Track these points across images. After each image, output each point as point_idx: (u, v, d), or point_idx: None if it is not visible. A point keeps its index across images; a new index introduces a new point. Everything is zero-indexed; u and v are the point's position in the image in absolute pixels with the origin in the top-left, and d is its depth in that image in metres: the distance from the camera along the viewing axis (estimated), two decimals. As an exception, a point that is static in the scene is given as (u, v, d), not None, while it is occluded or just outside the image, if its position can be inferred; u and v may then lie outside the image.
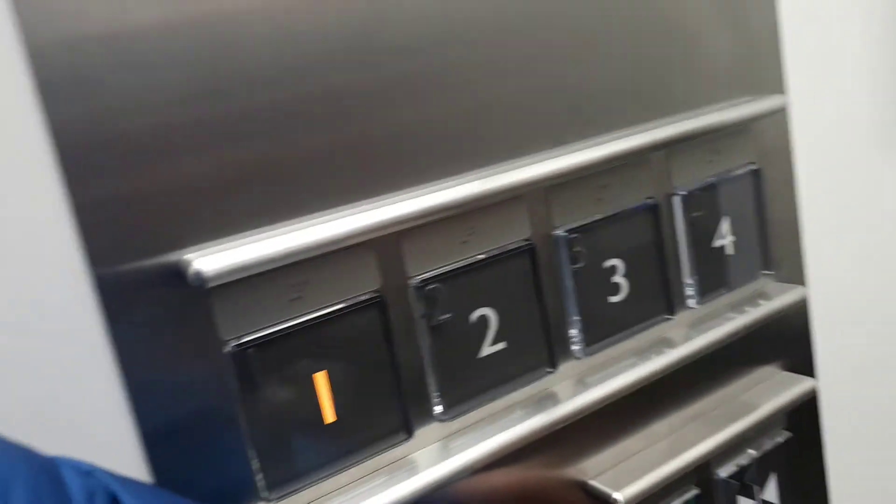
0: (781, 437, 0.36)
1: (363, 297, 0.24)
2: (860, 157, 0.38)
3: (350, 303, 0.23)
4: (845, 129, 0.37)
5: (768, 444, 0.35)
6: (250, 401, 0.22)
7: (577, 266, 0.28)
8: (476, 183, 0.24)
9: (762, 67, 0.33)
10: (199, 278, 0.20)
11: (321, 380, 0.23)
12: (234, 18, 0.21)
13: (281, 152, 0.22)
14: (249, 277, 0.21)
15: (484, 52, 0.25)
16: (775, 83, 0.33)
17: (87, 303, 0.19)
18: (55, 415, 0.20)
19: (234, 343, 0.21)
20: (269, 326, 0.22)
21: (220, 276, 0.20)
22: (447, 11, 0.24)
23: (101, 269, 0.19)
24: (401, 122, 0.24)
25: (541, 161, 0.25)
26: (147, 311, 0.20)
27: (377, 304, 0.24)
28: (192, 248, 0.21)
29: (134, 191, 0.20)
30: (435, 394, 0.25)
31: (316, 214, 0.23)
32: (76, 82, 0.19)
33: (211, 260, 0.20)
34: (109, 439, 0.20)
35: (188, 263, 0.20)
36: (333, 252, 0.23)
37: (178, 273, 0.20)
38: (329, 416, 0.23)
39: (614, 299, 0.29)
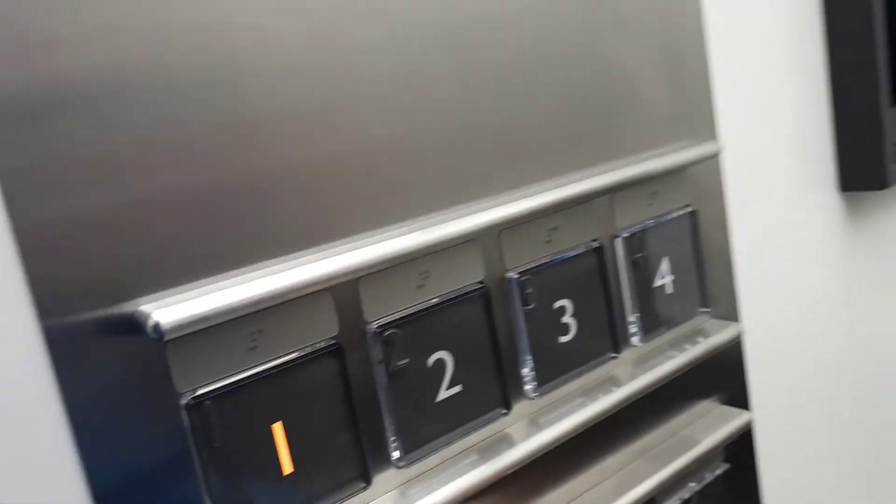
0: (720, 469, 0.37)
1: (320, 345, 0.23)
2: (786, 198, 0.41)
3: (307, 350, 0.23)
4: (772, 172, 0.40)
5: (708, 477, 0.36)
6: (207, 454, 0.21)
7: (529, 307, 0.28)
8: (434, 228, 0.24)
9: (696, 115, 0.35)
10: (158, 331, 0.19)
11: (278, 430, 0.22)
12: (189, 52, 0.21)
13: (236, 197, 0.22)
14: (205, 328, 0.21)
15: (436, 99, 0.26)
16: (708, 130, 0.35)
17: (35, 355, 0.18)
18: (1, 473, 0.18)
19: (189, 396, 0.21)
20: (226, 377, 0.22)
21: (179, 327, 0.19)
22: (395, 62, 0.25)
23: (50, 320, 0.19)
24: (354, 166, 0.24)
25: (495, 205, 0.26)
26: (98, 364, 0.19)
27: (334, 350, 0.24)
28: (144, 298, 0.20)
29: (84, 239, 0.19)
30: (392, 440, 0.25)
31: (271, 261, 0.22)
32: (22, 124, 0.18)
33: (170, 312, 0.19)
34: (60, 497, 0.19)
35: (146, 315, 0.19)
36: (290, 299, 0.22)
37: (132, 324, 0.20)
38: (287, 466, 0.23)
39: (564, 339, 0.30)
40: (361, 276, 0.24)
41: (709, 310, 0.36)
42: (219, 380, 0.21)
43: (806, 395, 0.43)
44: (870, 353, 0.49)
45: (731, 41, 0.37)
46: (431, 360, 0.26)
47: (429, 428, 0.26)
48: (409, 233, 0.24)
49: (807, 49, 0.41)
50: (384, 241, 0.24)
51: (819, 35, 0.41)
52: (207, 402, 0.21)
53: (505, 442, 0.28)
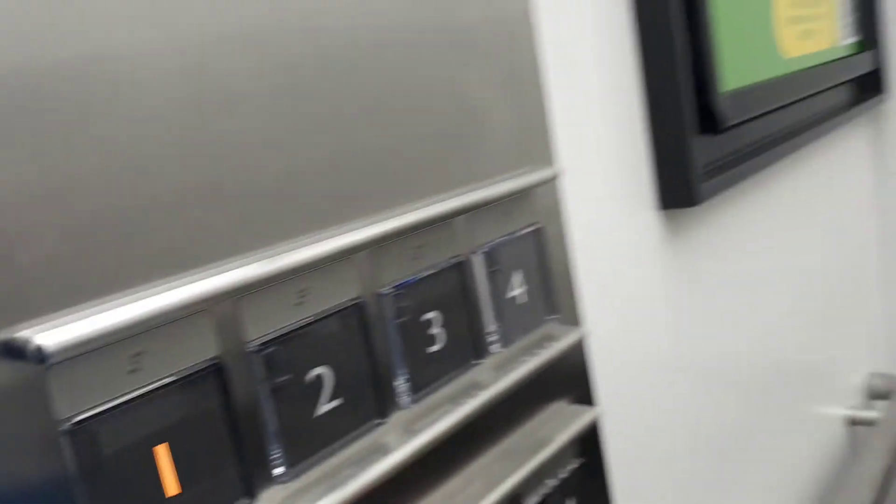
0: (575, 463, 0.40)
1: (202, 365, 0.24)
2: (615, 216, 0.46)
3: (189, 371, 0.23)
4: (602, 193, 0.45)
5: (564, 472, 0.40)
6: (89, 481, 0.21)
7: (401, 320, 0.30)
8: (310, 247, 0.26)
9: (536, 144, 0.39)
10: (41, 355, 0.19)
11: (163, 452, 0.22)
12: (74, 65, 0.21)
13: (112, 217, 0.22)
14: (85, 352, 0.21)
15: (308, 125, 0.27)
16: (547, 157, 0.39)
17: None
18: None
19: (70, 421, 0.20)
20: (107, 402, 0.21)
21: (63, 350, 0.19)
22: (268, 90, 0.26)
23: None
24: (231, 189, 0.25)
25: (367, 225, 0.27)
26: (-29, 395, 0.19)
27: (216, 370, 0.24)
28: (17, 325, 0.20)
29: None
30: (276, 456, 0.26)
31: (148, 284, 0.23)
32: None
33: (53, 334, 0.19)
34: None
35: (25, 340, 0.19)
36: (171, 320, 0.23)
37: (8, 350, 0.19)
38: (172, 488, 0.23)
39: (433, 349, 0.32)
40: (242, 296, 0.25)
41: (556, 316, 0.39)
42: (99, 404, 0.21)
43: (643, 390, 0.48)
44: (691, 353, 0.56)
45: (564, 79, 0.42)
46: (311, 375, 0.27)
47: (311, 442, 0.27)
48: (286, 252, 0.25)
49: (626, 86, 0.47)
50: (261, 260, 0.25)
51: (635, 74, 0.47)
52: (88, 428, 0.21)
53: (382, 450, 0.29)
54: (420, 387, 0.31)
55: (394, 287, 0.30)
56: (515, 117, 0.37)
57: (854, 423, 0.96)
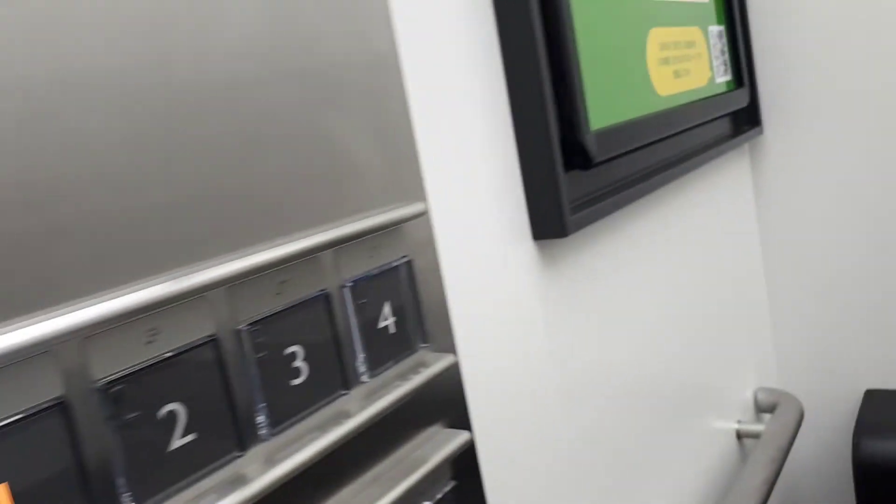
0: (449, 485, 0.42)
1: (46, 404, 0.24)
2: (491, 247, 0.48)
3: (32, 411, 0.24)
4: (478, 226, 0.47)
5: (439, 494, 0.41)
6: (-84, 527, 0.21)
7: (261, 355, 0.31)
8: (160, 286, 0.26)
9: (407, 182, 0.41)
10: None
11: (2, 492, 0.23)
12: None
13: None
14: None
15: (163, 164, 0.28)
16: (417, 193, 0.41)
17: None
18: None
19: None
20: (-62, 445, 0.22)
21: None
22: (122, 129, 0.27)
23: None
24: (78, 230, 0.25)
25: (224, 262, 0.28)
26: None
27: (60, 409, 0.25)
28: None
29: None
30: (126, 493, 0.26)
31: (-11, 326, 0.23)
32: None
33: None
34: None
35: None
36: (12, 361, 0.23)
37: None
38: (10, 530, 0.23)
39: (296, 382, 0.33)
40: (88, 336, 0.25)
41: (428, 344, 0.41)
42: (-70, 449, 0.21)
43: (522, 413, 0.50)
44: (572, 376, 0.59)
45: (435, 117, 0.44)
46: (163, 411, 0.27)
47: (163, 477, 0.27)
48: (131, 291, 0.26)
49: (499, 124, 0.50)
50: (107, 300, 0.25)
51: (507, 115, 0.50)
52: (-83, 473, 0.21)
53: (240, 481, 0.30)
54: (282, 419, 0.32)
55: (250, 323, 0.31)
56: (385, 155, 0.39)
57: (742, 436, 1.02)
